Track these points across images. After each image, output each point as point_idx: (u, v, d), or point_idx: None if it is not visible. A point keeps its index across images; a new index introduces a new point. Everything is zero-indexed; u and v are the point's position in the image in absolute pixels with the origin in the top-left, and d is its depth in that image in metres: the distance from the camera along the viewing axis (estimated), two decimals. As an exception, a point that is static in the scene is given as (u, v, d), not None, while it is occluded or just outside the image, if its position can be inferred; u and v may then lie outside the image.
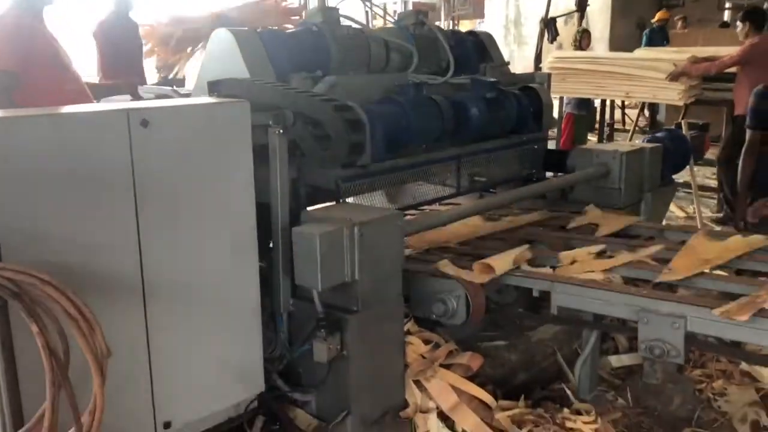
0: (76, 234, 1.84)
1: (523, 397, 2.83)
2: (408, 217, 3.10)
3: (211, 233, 2.15)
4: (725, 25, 13.40)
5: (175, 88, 3.25)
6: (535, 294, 2.66)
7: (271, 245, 2.46)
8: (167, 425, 2.11)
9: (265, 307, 2.39)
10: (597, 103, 9.87)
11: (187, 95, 2.95)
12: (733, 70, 6.72)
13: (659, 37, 11.43)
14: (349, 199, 2.87)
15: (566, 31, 12.28)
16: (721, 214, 6.51)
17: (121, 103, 2.62)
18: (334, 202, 2.75)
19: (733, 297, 2.93)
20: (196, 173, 2.09)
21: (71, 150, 1.82)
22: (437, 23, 12.04)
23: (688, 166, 5.45)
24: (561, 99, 8.96)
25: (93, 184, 1.86)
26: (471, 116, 3.40)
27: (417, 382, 2.59)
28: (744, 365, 3.47)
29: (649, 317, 2.35)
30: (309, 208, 2.56)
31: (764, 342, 2.47)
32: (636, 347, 2.45)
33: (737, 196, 6.02)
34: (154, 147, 1.98)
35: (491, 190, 3.82)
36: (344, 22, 3.32)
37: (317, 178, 2.75)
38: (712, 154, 6.99)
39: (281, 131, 2.39)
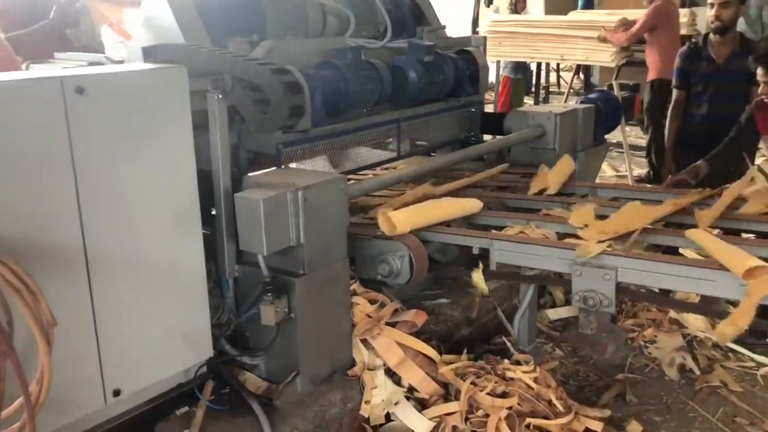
0: (14, 205, 1.81)
1: (465, 350, 2.93)
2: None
3: (152, 201, 2.14)
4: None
5: (107, 55, 3.15)
6: (475, 251, 2.71)
7: (214, 212, 2.46)
8: (117, 393, 2.12)
9: (210, 274, 2.41)
10: (533, 66, 10.05)
11: (120, 62, 2.87)
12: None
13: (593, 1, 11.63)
14: (291, 165, 2.89)
15: (503, -6, 12.34)
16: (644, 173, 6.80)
17: (54, 69, 2.54)
18: (275, 168, 2.75)
19: (665, 250, 3.12)
20: (135, 141, 2.06)
21: (4, 118, 1.77)
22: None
23: (619, 126, 5.66)
24: (498, 63, 9.07)
25: (29, 154, 1.83)
26: (409, 80, 3.43)
27: (364, 341, 2.66)
28: (672, 313, 3.68)
29: (582, 269, 2.43)
30: (250, 174, 2.54)
31: (690, 290, 2.62)
32: (572, 300, 2.53)
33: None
34: (91, 115, 1.95)
35: (432, 153, 3.87)
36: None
37: (258, 144, 2.75)
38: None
39: (220, 96, 2.38)
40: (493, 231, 2.81)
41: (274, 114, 2.54)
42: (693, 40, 4.78)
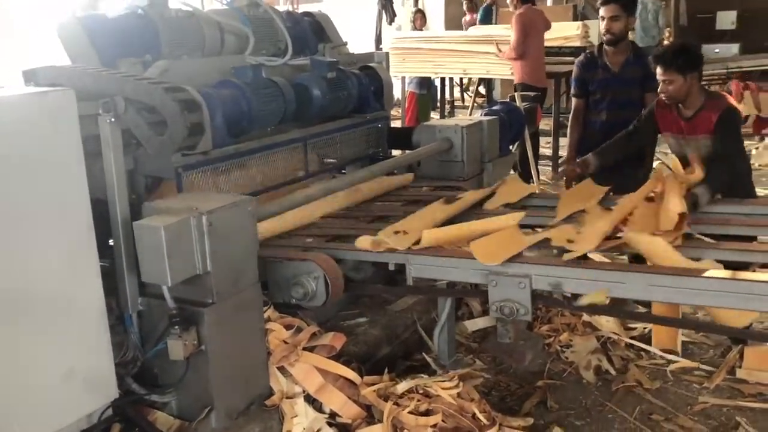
0: None
1: (386, 370, 2.90)
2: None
3: (41, 235, 2.00)
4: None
5: (-14, 81, 2.95)
6: (391, 268, 2.69)
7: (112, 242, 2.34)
8: (8, 448, 1.95)
9: (112, 309, 2.30)
10: (437, 81, 10.26)
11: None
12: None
13: (491, 16, 12.02)
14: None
15: (404, 11, 12.61)
16: None
17: None
18: (177, 193, 2.68)
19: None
20: (17, 170, 1.93)
21: None
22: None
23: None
24: (403, 79, 9.20)
25: None
26: (314, 97, 3.41)
27: (281, 368, 2.58)
28: (585, 316, 3.76)
29: (498, 279, 2.46)
30: (150, 201, 2.45)
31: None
32: (489, 310, 2.56)
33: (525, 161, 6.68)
34: (-35, 144, 1.80)
35: (342, 170, 3.86)
36: (174, 4, 3.20)
37: (157, 168, 2.67)
38: (544, 124, 7.51)
39: (112, 120, 2.27)
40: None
41: (171, 135, 2.46)
42: (588, 50, 4.99)
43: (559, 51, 8.26)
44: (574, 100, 4.67)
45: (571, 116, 4.69)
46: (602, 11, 4.37)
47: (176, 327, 2.26)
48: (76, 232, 2.10)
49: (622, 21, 4.30)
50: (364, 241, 2.71)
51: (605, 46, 4.41)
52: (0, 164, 1.88)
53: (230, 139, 2.90)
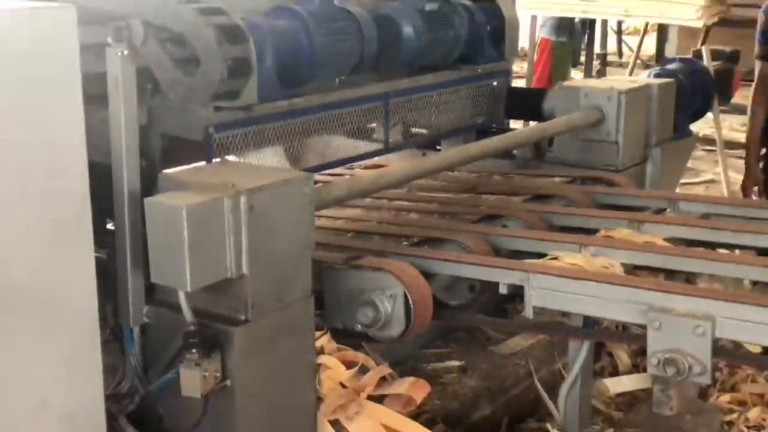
0: None
1: (487, 438, 2.86)
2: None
3: (15, 209, 2.00)
4: None
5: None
6: (503, 291, 2.70)
7: (112, 226, 2.45)
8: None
9: (106, 319, 2.39)
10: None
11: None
12: None
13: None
14: (230, 158, 2.88)
15: None
16: None
17: None
18: (205, 162, 2.75)
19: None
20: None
21: None
22: None
23: (710, 112, 5.65)
24: (533, 19, 9.07)
25: None
26: (403, 36, 3.47)
27: (335, 422, 2.60)
28: (789, 385, 3.65)
29: (663, 320, 2.40)
30: (168, 171, 2.55)
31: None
32: (642, 365, 2.56)
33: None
34: None
35: (437, 146, 3.91)
36: None
37: (180, 125, 2.76)
38: (742, 96, 7.27)
39: (125, 53, 2.34)
40: (529, 261, 2.80)
41: (203, 77, 2.51)
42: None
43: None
44: (758, 64, 4.53)
45: (754, 87, 4.62)
46: None
47: (194, 351, 2.31)
48: (64, 207, 2.11)
49: None
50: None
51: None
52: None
53: (283, 91, 2.96)
